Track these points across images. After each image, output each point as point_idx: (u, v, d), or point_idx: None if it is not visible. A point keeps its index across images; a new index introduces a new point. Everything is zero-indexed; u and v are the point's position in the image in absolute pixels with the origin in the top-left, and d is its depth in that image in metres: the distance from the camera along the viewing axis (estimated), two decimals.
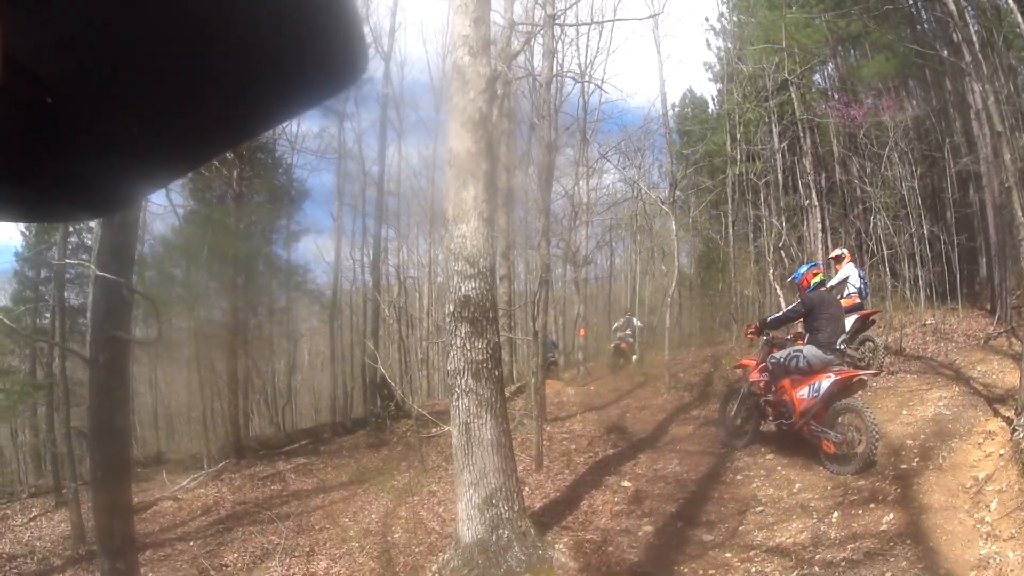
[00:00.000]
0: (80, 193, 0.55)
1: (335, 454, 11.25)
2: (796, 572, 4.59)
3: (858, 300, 8.88)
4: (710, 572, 4.95)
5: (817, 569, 4.55)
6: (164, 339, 9.45)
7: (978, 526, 4.60)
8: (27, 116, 0.44)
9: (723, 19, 18.20)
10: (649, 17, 14.68)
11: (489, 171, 5.88)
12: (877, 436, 5.85)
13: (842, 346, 6.94)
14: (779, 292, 12.25)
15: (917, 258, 11.76)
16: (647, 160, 18.27)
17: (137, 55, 0.43)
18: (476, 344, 5.57)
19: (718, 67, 18.18)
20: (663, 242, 17.78)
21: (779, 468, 6.73)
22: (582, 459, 8.26)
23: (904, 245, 11.75)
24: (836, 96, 14.77)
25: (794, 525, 5.34)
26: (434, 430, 9.59)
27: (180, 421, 17.09)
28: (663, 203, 14.65)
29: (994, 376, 7.56)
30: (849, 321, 8.06)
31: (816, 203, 14.11)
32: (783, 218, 14.14)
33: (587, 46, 30.86)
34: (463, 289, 5.61)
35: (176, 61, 0.44)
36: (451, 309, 5.69)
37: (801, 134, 14.60)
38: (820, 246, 13.64)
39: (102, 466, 5.20)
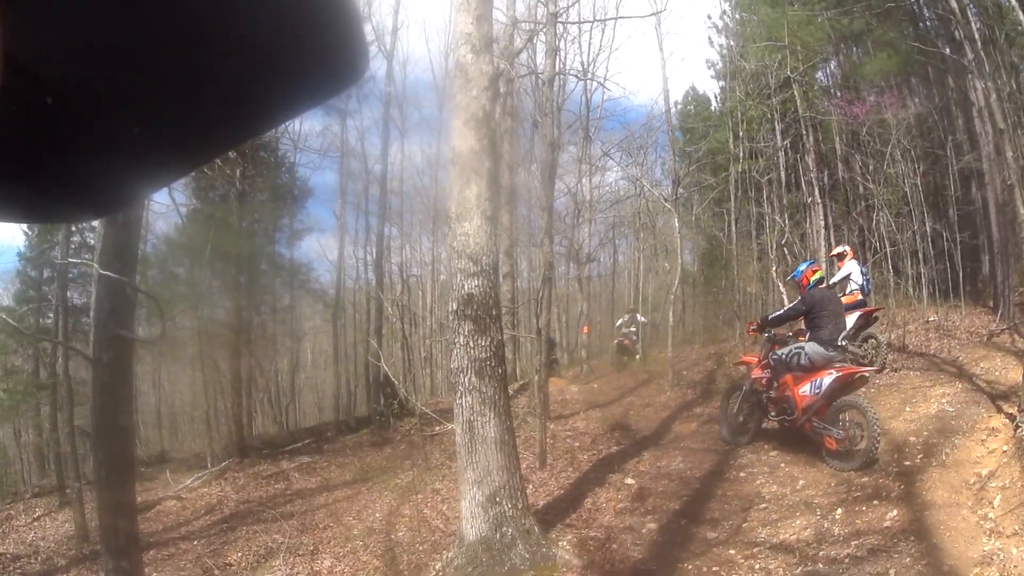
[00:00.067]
0: (81, 193, 0.55)
1: (339, 453, 11.25)
2: (800, 569, 4.59)
3: (860, 297, 8.86)
4: (714, 569, 4.95)
5: (821, 566, 4.55)
6: (168, 338, 9.49)
7: (981, 522, 4.60)
8: (27, 116, 0.44)
9: (725, 17, 18.18)
10: (651, 15, 14.76)
11: (492, 169, 5.88)
12: (878, 432, 5.85)
13: (844, 343, 6.94)
14: (782, 289, 12.22)
15: (920, 255, 11.74)
16: (650, 158, 18.29)
17: (138, 55, 0.43)
18: (479, 342, 5.58)
19: (720, 65, 18.13)
20: (666, 240, 17.71)
21: (782, 465, 6.73)
22: (586, 457, 8.27)
23: (907, 242, 11.74)
24: (838, 93, 14.68)
25: (798, 522, 5.34)
26: (438, 428, 9.58)
27: (184, 420, 17.15)
28: (666, 201, 14.65)
29: (997, 373, 7.54)
30: (852, 318, 8.05)
31: (819, 200, 14.05)
32: (786, 215, 14.09)
33: (590, 44, 30.60)
34: (466, 287, 5.62)
35: (177, 61, 0.44)
36: (454, 307, 5.70)
37: (804, 131, 14.56)
38: (823, 243, 13.58)
39: (106, 465, 5.21)
